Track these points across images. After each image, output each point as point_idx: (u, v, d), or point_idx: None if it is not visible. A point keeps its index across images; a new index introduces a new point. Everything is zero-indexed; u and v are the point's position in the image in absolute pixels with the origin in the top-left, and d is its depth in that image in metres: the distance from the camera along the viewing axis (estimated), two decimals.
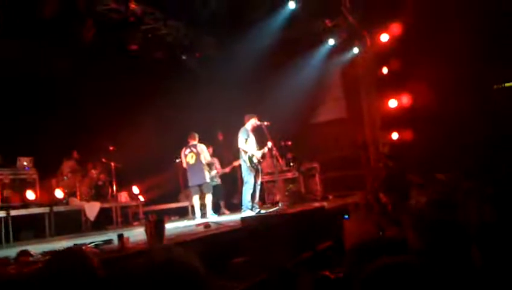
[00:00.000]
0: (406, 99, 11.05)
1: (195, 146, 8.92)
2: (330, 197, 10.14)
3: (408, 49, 10.71)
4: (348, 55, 11.72)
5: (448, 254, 1.72)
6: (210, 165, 9.43)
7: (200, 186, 8.87)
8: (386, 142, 11.32)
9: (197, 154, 8.85)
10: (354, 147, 11.42)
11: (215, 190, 9.48)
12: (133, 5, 8.79)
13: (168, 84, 10.66)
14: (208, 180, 8.91)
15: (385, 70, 11.37)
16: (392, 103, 11.25)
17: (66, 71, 10.10)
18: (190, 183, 9.01)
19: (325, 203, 7.93)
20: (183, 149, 9.05)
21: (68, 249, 1.90)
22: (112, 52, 9.61)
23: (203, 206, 8.88)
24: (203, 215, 8.79)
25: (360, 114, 11.88)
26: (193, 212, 9.27)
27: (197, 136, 9.08)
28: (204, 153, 8.88)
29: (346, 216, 7.41)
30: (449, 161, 8.37)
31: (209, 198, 8.84)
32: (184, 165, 9.13)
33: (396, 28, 11.03)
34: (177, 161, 9.65)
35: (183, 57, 10.64)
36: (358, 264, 1.54)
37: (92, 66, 9.83)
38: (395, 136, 11.27)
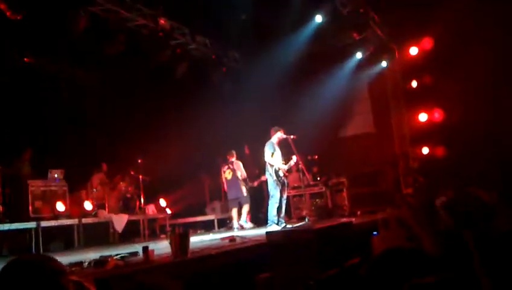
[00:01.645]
0: (437, 114, 10.80)
1: (232, 163, 9.83)
2: (358, 212, 9.93)
3: (439, 63, 10.51)
4: (375, 69, 11.58)
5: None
6: (246, 181, 10.06)
7: (237, 199, 9.71)
8: (416, 157, 11.07)
9: (233, 171, 9.72)
10: (383, 162, 11.19)
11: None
12: (162, 21, 8.97)
13: (194, 98, 10.77)
14: (244, 194, 9.73)
15: (414, 83, 11.17)
16: (422, 117, 11.02)
17: (95, 86, 10.37)
18: (229, 197, 9.94)
19: (352, 219, 7.76)
20: (223, 166, 9.98)
21: (24, 257, 1.76)
22: (141, 67, 9.80)
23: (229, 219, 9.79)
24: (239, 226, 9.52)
25: (389, 128, 11.66)
26: (230, 224, 9.98)
27: (234, 153, 9.89)
28: (241, 169, 9.79)
29: (375, 232, 7.25)
30: (481, 178, 8.10)
31: (245, 209, 9.67)
32: (224, 180, 10.11)
33: (426, 41, 10.87)
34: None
35: (210, 72, 10.74)
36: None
37: (120, 81, 10.05)
38: (425, 150, 11.01)
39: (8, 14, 6.42)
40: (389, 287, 1.28)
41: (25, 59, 9.70)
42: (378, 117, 11.87)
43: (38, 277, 1.61)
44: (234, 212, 9.73)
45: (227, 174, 9.86)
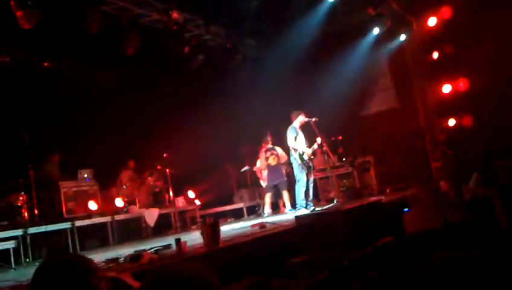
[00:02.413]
0: (462, 84, 10.53)
1: (274, 149, 9.77)
2: (387, 190, 9.84)
3: (459, 32, 10.21)
4: (394, 43, 11.32)
5: None
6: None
7: (276, 185, 9.61)
8: (442, 129, 10.84)
9: (277, 156, 9.60)
10: (409, 137, 11.01)
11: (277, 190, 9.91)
12: (175, 14, 8.97)
13: (213, 89, 10.79)
14: (285, 178, 9.64)
15: (436, 55, 10.88)
16: (446, 88, 10.76)
17: (115, 84, 10.49)
18: (268, 183, 9.78)
19: (382, 197, 7.70)
20: (263, 152, 9.90)
21: (56, 258, 1.82)
22: (158, 62, 9.87)
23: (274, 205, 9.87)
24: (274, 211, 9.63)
25: (413, 102, 11.44)
26: (263, 210, 9.87)
27: (269, 138, 9.84)
28: (283, 153, 9.71)
29: (406, 209, 7.19)
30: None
31: (286, 195, 9.47)
32: (260, 166, 10.16)
33: (444, 10, 10.55)
34: (245, 169, 10.68)
35: (227, 61, 10.71)
36: (412, 259, 1.43)
37: (140, 78, 10.14)
38: (451, 122, 10.77)
39: (21, 22, 6.53)
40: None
41: (45, 64, 9.89)
42: (400, 92, 11.64)
43: (70, 277, 1.65)
44: (268, 197, 9.70)
45: (271, 160, 9.74)
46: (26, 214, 7.63)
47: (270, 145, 9.82)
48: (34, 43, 8.60)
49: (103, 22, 7.76)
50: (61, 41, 8.52)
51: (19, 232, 6.90)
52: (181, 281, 1.20)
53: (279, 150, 9.75)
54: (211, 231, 4.64)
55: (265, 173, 10.00)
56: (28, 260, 6.88)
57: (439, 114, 10.98)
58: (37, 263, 6.48)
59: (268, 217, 8.59)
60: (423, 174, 10.17)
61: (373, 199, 7.71)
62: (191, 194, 10.81)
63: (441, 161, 10.28)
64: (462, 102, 10.49)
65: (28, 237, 6.96)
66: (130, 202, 9.58)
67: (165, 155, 10.45)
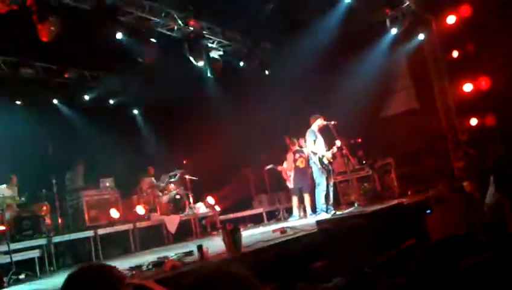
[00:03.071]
0: (483, 82, 10.31)
1: (302, 151, 9.59)
2: (408, 192, 9.67)
3: (480, 29, 10.01)
4: (413, 43, 11.16)
5: None
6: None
7: (301, 188, 9.53)
8: (464, 129, 10.64)
9: (305, 159, 9.42)
10: (430, 138, 10.83)
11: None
12: (192, 22, 9.06)
13: (231, 95, 10.85)
14: (309, 181, 9.39)
15: (455, 53, 10.69)
16: (467, 87, 10.55)
17: (135, 93, 10.64)
18: (294, 186, 9.74)
19: (403, 200, 7.59)
20: (291, 154, 9.79)
21: (85, 267, 1.85)
22: (177, 70, 9.97)
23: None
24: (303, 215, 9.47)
25: (433, 102, 11.24)
26: (290, 213, 9.93)
27: (296, 141, 9.74)
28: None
29: (428, 211, 7.05)
30: None
31: (307, 199, 9.38)
32: (286, 167, 10.03)
33: (464, 8, 10.37)
34: (270, 167, 10.45)
35: (243, 65, 10.74)
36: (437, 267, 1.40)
37: (159, 86, 10.26)
38: (473, 122, 10.56)
39: (42, 35, 6.66)
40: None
41: (65, 75, 10.09)
42: (420, 92, 11.46)
43: (99, 286, 1.67)
44: (295, 200, 9.66)
45: (299, 163, 9.62)
46: (50, 223, 7.77)
47: (298, 147, 9.74)
48: (55, 56, 8.78)
49: (122, 32, 7.88)
50: (79, 54, 8.67)
51: (43, 241, 7.02)
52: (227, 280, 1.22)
53: (307, 152, 9.66)
54: (232, 237, 4.63)
55: (291, 174, 9.92)
56: (52, 268, 7.00)
57: (461, 114, 10.77)
58: (61, 272, 6.58)
59: (294, 220, 8.57)
60: (446, 175, 9.98)
61: (394, 201, 7.60)
62: (210, 200, 10.85)
63: (464, 161, 10.08)
64: (484, 101, 10.27)
65: (52, 246, 7.07)
66: (151, 209, 9.66)
67: (184, 162, 10.52)
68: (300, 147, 9.67)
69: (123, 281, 1.76)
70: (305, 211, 9.48)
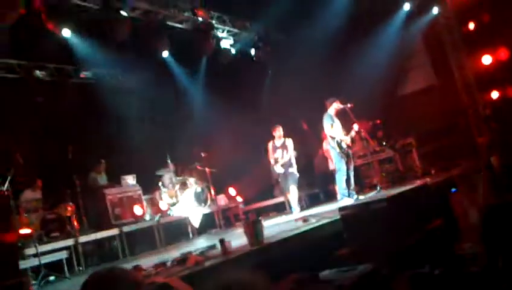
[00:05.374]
0: (502, 53, 9.99)
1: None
2: (432, 171, 9.47)
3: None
4: (427, 18, 10.88)
5: None
6: None
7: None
8: (486, 103, 10.35)
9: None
10: (451, 114, 10.57)
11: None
12: (201, 13, 9.00)
13: (244, 83, 10.78)
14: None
15: (472, 25, 10.39)
16: (486, 60, 10.25)
17: (150, 88, 10.66)
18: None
19: (427, 179, 7.44)
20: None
21: (102, 273, 1.86)
22: (190, 62, 9.97)
23: None
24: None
25: (451, 78, 10.96)
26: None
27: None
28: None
29: (454, 189, 6.90)
30: None
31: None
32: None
33: None
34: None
35: (255, 53, 10.63)
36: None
37: (175, 79, 10.28)
38: (495, 95, 10.27)
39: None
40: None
41: (81, 75, 10.17)
42: (438, 68, 11.20)
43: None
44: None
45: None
46: (75, 224, 7.87)
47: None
48: (67, 56, 8.85)
49: (132, 27, 7.88)
50: (92, 52, 8.70)
51: (70, 242, 7.12)
52: None
53: None
54: (253, 229, 4.61)
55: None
56: (81, 268, 7.10)
57: (481, 87, 10.48)
58: (90, 271, 6.67)
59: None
60: (469, 152, 9.76)
61: (418, 182, 7.47)
62: (232, 191, 10.85)
63: (488, 137, 9.83)
64: (504, 72, 9.96)
65: (80, 246, 7.17)
66: (173, 204, 9.71)
67: (203, 155, 10.52)
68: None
69: (141, 286, 1.76)
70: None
